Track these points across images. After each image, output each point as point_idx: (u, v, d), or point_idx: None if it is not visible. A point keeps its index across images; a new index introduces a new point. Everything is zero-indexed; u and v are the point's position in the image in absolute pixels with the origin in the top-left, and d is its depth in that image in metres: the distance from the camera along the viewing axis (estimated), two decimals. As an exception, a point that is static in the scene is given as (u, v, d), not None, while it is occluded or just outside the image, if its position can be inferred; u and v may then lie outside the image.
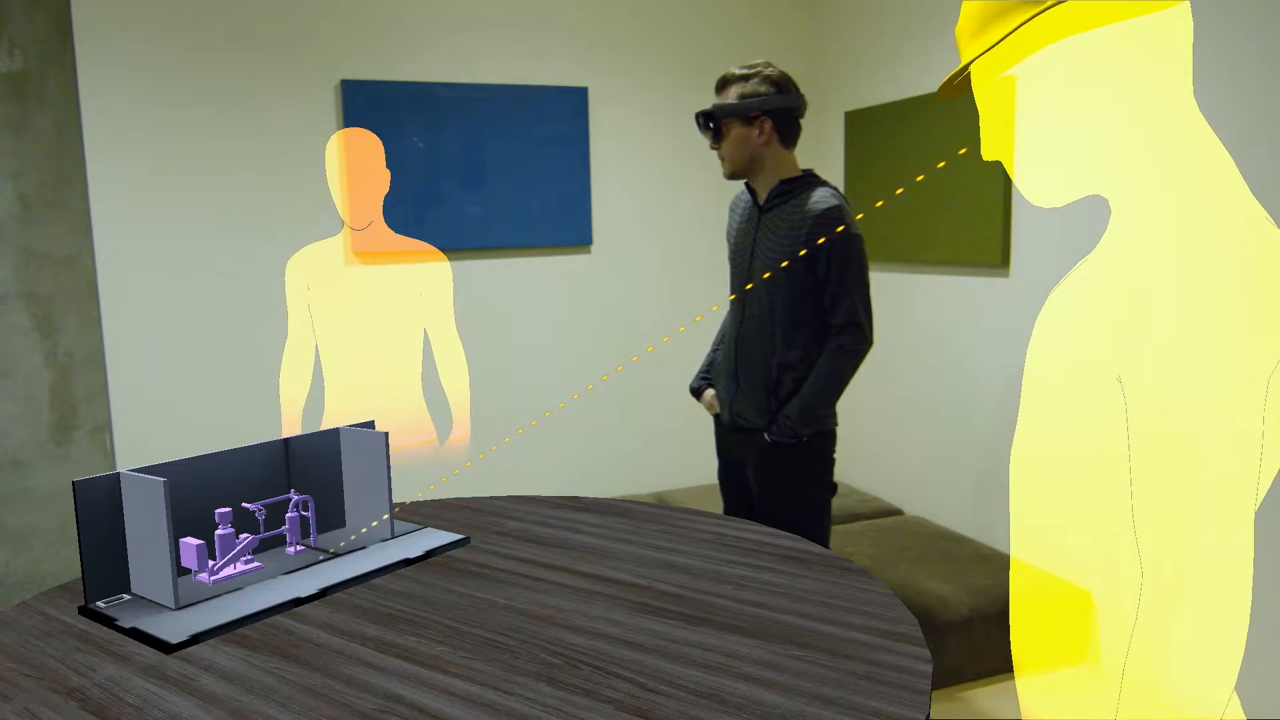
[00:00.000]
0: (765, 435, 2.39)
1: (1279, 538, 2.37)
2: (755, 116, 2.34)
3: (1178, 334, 0.89)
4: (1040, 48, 1.00)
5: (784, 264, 2.30)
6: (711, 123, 2.38)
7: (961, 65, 1.05)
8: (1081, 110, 1.00)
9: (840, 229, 2.24)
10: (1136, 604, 0.96)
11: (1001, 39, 1.00)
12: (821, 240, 2.24)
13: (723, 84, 2.41)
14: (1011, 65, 1.03)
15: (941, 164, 3.39)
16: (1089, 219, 2.91)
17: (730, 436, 2.53)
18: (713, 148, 2.43)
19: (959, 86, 1.11)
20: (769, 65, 2.37)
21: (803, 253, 2.26)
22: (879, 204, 3.76)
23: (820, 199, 2.29)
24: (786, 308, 2.33)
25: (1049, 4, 0.96)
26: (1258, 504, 0.89)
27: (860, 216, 2.12)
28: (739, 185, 4.00)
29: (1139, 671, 0.98)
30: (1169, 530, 0.89)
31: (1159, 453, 0.90)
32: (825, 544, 2.45)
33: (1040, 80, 1.02)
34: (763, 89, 2.34)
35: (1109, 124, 0.99)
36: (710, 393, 2.58)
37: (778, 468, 2.40)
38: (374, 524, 1.53)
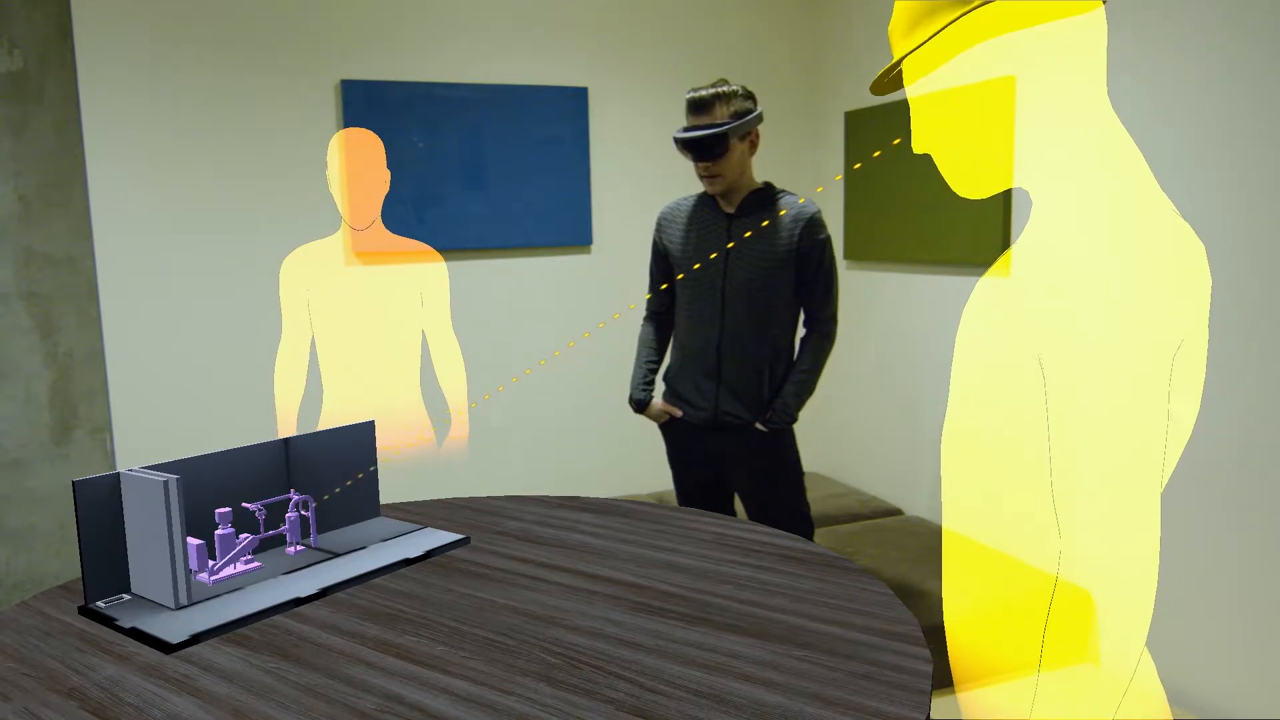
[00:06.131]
0: (759, 425, 2.50)
1: (1275, 538, 2.37)
2: (748, 131, 2.42)
3: (1091, 316, 0.95)
4: (967, 47, 1.05)
5: (774, 265, 2.44)
6: (717, 143, 2.36)
7: (892, 62, 1.10)
8: (1004, 107, 1.06)
9: (823, 232, 2.46)
10: (1056, 570, 1.02)
11: (930, 38, 1.04)
12: (812, 242, 2.44)
13: (709, 104, 2.37)
14: (941, 63, 1.08)
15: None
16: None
17: (708, 436, 2.57)
18: (706, 166, 2.39)
19: (892, 82, 1.14)
20: (728, 81, 2.43)
21: (782, 255, 2.44)
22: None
23: (805, 204, 2.45)
24: (776, 306, 2.48)
25: (975, 4, 1.01)
26: (1167, 473, 0.97)
27: (832, 212, 2.17)
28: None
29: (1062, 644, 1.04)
30: (1085, 502, 0.96)
31: (1075, 428, 0.96)
32: (811, 518, 2.63)
33: (966, 78, 1.07)
34: (748, 104, 2.41)
35: (1029, 121, 1.05)
36: (660, 402, 2.63)
37: (769, 456, 2.53)
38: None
